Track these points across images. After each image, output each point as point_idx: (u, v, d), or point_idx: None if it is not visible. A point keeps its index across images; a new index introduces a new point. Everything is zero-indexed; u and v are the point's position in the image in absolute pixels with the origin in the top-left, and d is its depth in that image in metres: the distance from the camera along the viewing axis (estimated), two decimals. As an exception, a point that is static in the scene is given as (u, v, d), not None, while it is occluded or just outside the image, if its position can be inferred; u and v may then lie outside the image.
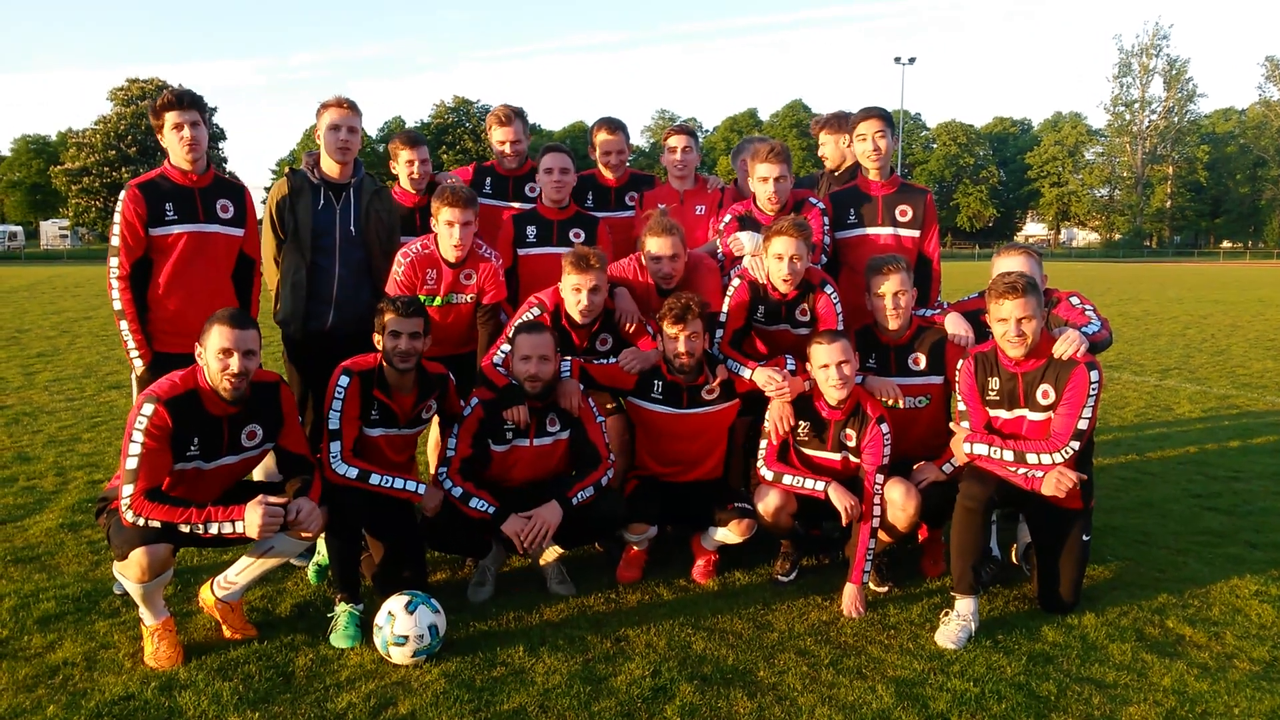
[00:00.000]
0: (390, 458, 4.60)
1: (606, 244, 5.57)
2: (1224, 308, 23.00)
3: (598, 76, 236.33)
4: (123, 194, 4.68)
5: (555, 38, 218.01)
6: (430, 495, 4.46)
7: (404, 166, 5.59)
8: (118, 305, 4.63)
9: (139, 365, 4.63)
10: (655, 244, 5.06)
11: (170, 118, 4.64)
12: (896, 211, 5.32)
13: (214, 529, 3.82)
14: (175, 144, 4.68)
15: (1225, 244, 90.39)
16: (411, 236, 5.31)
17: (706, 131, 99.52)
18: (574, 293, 4.88)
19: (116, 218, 4.65)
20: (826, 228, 5.31)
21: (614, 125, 5.97)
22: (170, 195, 4.67)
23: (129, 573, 3.81)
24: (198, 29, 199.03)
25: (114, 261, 4.64)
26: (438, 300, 5.06)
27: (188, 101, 4.66)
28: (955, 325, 4.88)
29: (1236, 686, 3.78)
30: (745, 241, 5.17)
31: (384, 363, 4.48)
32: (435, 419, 4.88)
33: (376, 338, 4.47)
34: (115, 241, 4.64)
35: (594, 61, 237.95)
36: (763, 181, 5.23)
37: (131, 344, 4.64)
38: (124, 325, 4.64)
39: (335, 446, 4.34)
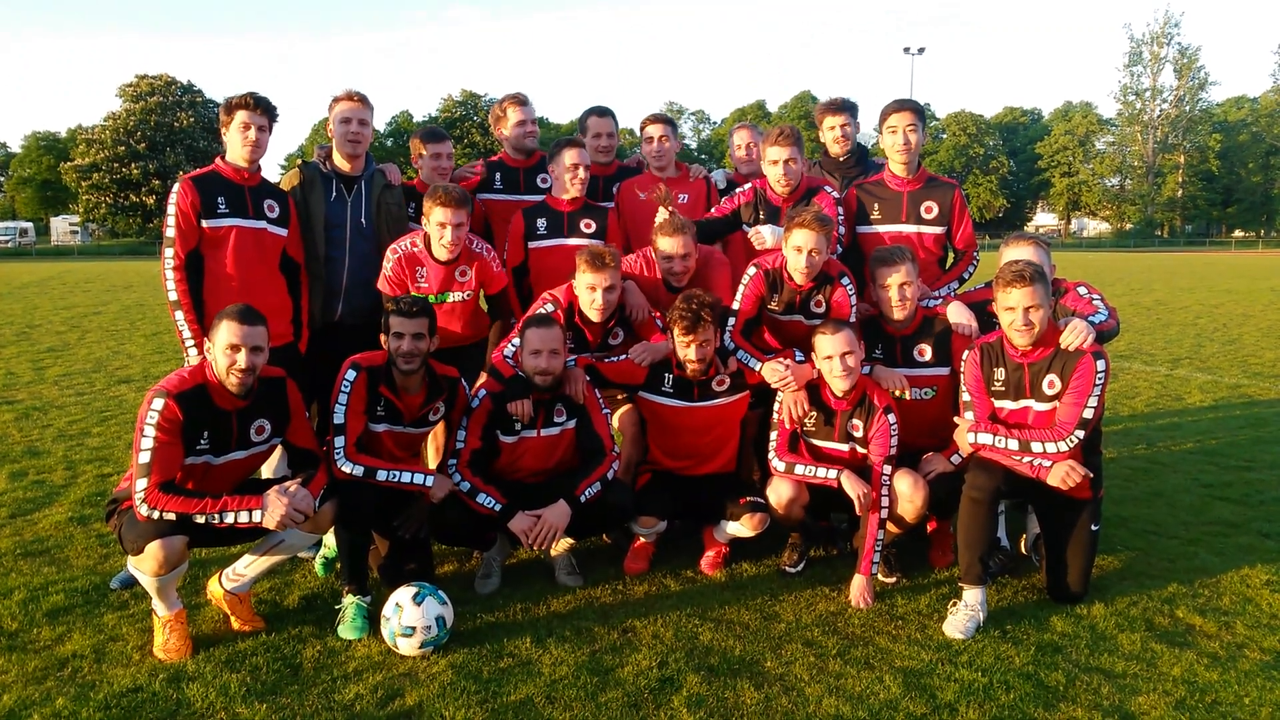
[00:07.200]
0: (394, 453, 4.60)
1: (617, 234, 5.56)
2: (1236, 297, 22.86)
3: (605, 69, 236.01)
4: (175, 186, 4.75)
5: (563, 28, 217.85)
6: (439, 484, 4.45)
7: (428, 162, 5.62)
8: (173, 296, 4.66)
9: (194, 355, 4.62)
10: (667, 243, 5.05)
11: (241, 116, 4.71)
12: (922, 208, 5.26)
13: (229, 518, 3.84)
14: (238, 142, 4.74)
15: (1237, 233, 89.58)
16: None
17: (714, 123, 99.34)
18: (589, 291, 4.86)
19: (170, 209, 4.70)
20: (840, 217, 5.28)
21: (604, 111, 6.08)
22: (222, 190, 4.73)
23: (145, 566, 3.83)
24: (207, 24, 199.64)
25: (169, 253, 4.68)
26: (431, 298, 5.04)
27: (262, 107, 4.74)
28: (957, 314, 4.85)
29: (1247, 676, 3.76)
30: (767, 235, 5.16)
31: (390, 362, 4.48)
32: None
33: (383, 337, 4.48)
34: (170, 233, 4.68)
35: (602, 54, 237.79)
36: (773, 164, 5.23)
37: (187, 334, 4.66)
38: (179, 316, 4.67)
39: (339, 441, 4.33)
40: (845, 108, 5.74)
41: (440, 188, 4.96)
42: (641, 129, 5.99)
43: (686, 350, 4.73)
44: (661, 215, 5.25)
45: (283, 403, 4.21)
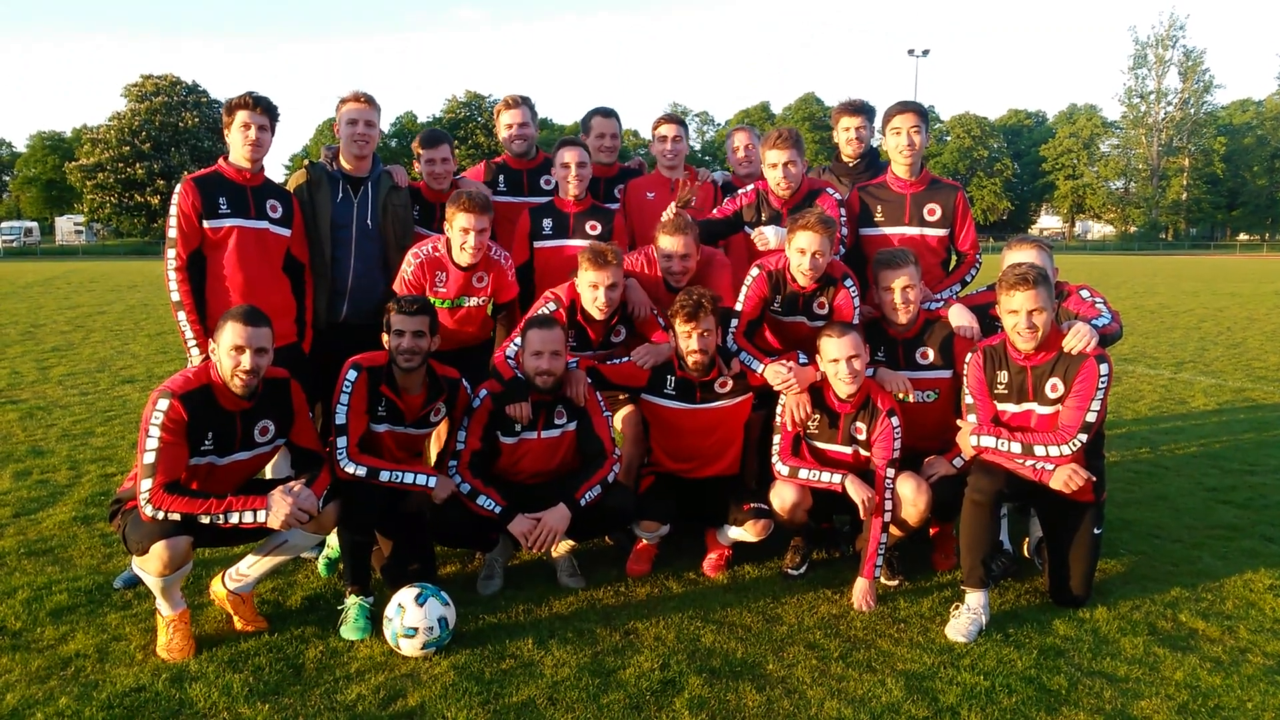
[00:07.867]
0: (395, 454, 4.60)
1: (623, 236, 5.56)
2: (1240, 300, 22.81)
3: (609, 70, 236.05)
4: (178, 187, 4.76)
5: (567, 30, 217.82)
6: (441, 485, 4.45)
7: (425, 166, 5.61)
8: (175, 297, 4.66)
9: (197, 356, 4.63)
10: (668, 242, 5.05)
11: (241, 116, 4.71)
12: (925, 210, 5.26)
13: (234, 518, 3.85)
14: (240, 142, 4.74)
15: (1242, 236, 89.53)
16: (428, 229, 5.35)
17: (718, 125, 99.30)
18: (591, 289, 4.87)
19: (172, 210, 4.71)
20: (843, 218, 5.28)
21: (608, 111, 6.07)
22: (224, 190, 4.73)
23: (149, 566, 3.84)
24: (212, 24, 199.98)
25: (171, 254, 4.68)
26: (447, 303, 5.05)
27: (263, 106, 4.74)
28: (959, 317, 4.85)
29: (1250, 681, 3.75)
30: (770, 236, 5.16)
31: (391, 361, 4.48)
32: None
33: (384, 336, 4.48)
34: (172, 234, 4.69)
35: (606, 56, 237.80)
36: (772, 167, 5.22)
37: (190, 334, 4.67)
38: (182, 316, 4.67)
39: (341, 442, 4.34)
40: (862, 110, 5.75)
41: (464, 194, 4.96)
42: (654, 128, 6.01)
43: (689, 340, 4.72)
44: (667, 214, 5.25)
45: (286, 403, 4.22)
